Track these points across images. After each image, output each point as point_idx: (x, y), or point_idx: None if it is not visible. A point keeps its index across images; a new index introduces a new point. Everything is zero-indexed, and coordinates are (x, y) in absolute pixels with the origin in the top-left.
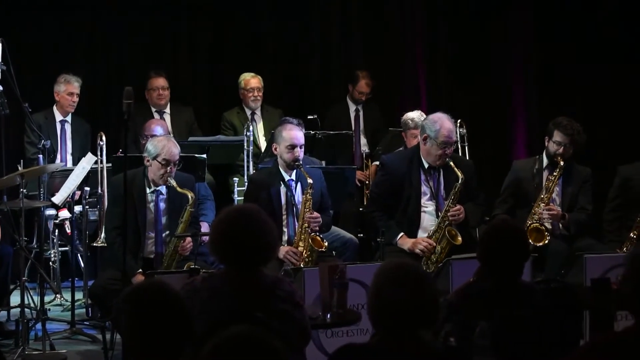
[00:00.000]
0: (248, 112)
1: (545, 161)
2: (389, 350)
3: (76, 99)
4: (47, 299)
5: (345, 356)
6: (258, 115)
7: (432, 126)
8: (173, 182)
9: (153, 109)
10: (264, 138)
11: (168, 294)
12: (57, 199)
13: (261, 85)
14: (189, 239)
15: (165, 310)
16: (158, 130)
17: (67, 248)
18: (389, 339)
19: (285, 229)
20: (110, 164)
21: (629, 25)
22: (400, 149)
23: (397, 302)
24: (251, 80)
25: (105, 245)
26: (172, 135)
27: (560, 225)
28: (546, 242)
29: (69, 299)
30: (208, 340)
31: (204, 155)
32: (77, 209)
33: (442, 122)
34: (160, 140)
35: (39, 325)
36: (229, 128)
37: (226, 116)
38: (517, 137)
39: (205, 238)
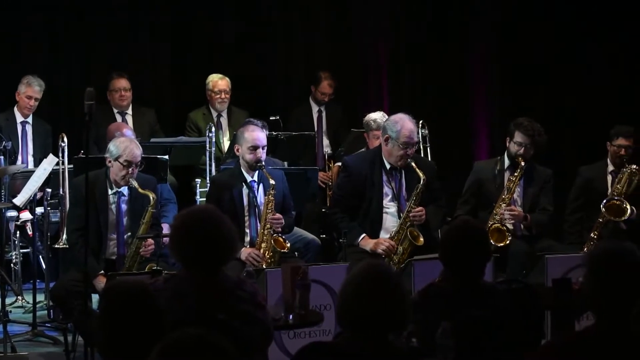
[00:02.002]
0: (214, 114)
1: (506, 162)
2: (355, 350)
3: (34, 103)
4: (8, 301)
5: (311, 354)
6: (224, 117)
7: (393, 127)
8: (135, 183)
9: (115, 110)
10: (230, 141)
11: (145, 293)
12: (19, 200)
13: (229, 88)
14: (150, 240)
15: (142, 309)
16: (129, 133)
17: (28, 250)
18: (355, 339)
19: (247, 230)
20: (71, 165)
21: (589, 26)
22: (363, 150)
23: (367, 305)
24: (219, 82)
25: (67, 246)
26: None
27: (522, 226)
28: (507, 242)
29: (31, 300)
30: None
31: (166, 157)
32: (39, 210)
33: (403, 123)
34: (123, 142)
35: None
36: (194, 130)
37: (191, 116)
38: (479, 138)
39: (167, 239)
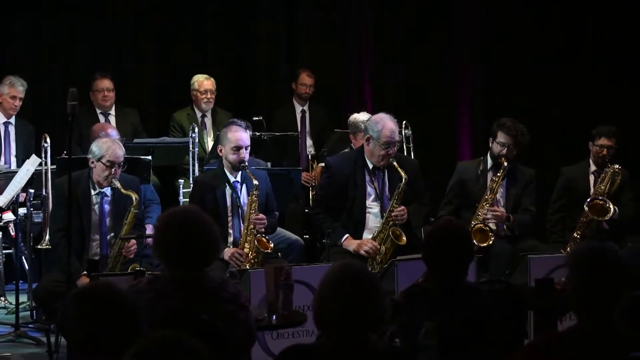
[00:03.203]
0: (198, 114)
1: (489, 162)
2: (336, 351)
3: (18, 103)
4: None
5: (292, 356)
6: (208, 118)
7: (374, 127)
8: (117, 184)
9: (98, 111)
10: (214, 141)
11: (112, 294)
12: (1, 201)
13: (214, 88)
14: (133, 241)
15: (110, 310)
16: (113, 134)
17: (11, 251)
18: (335, 340)
19: (230, 231)
20: (54, 166)
21: (574, 26)
22: (346, 150)
23: (341, 304)
24: (204, 82)
25: (50, 247)
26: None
27: (505, 226)
28: (490, 242)
29: (13, 301)
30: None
31: (149, 157)
32: (22, 211)
33: (384, 123)
34: (105, 142)
35: None
36: (178, 130)
37: (176, 117)
38: (462, 138)
39: (150, 240)
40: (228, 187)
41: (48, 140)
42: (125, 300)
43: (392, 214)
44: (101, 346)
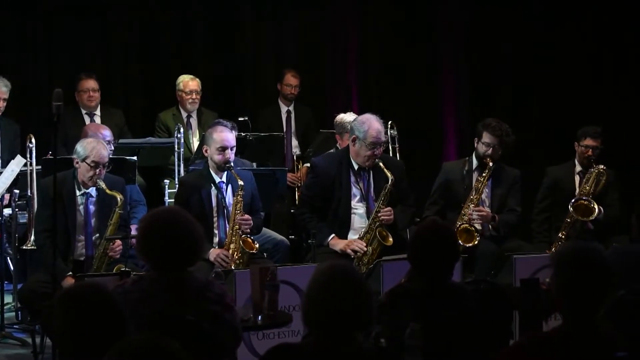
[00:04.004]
0: (184, 114)
1: (474, 163)
2: (322, 351)
3: (2, 103)
4: None
5: (278, 356)
6: (194, 118)
7: (360, 127)
8: (102, 184)
9: (83, 111)
10: (199, 141)
11: (100, 295)
12: None
13: (199, 88)
14: (118, 241)
15: (98, 310)
16: (107, 134)
17: None
18: (322, 339)
19: (216, 231)
20: (39, 166)
21: (556, 27)
22: (332, 150)
23: (331, 305)
24: (190, 83)
25: (35, 248)
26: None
27: (490, 226)
28: (476, 242)
29: None
30: None
31: (134, 158)
32: (7, 211)
33: (370, 123)
34: (90, 142)
35: None
36: (164, 130)
37: (161, 117)
38: (448, 138)
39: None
40: (213, 187)
41: (33, 140)
42: (114, 301)
43: (379, 214)
44: (89, 347)
